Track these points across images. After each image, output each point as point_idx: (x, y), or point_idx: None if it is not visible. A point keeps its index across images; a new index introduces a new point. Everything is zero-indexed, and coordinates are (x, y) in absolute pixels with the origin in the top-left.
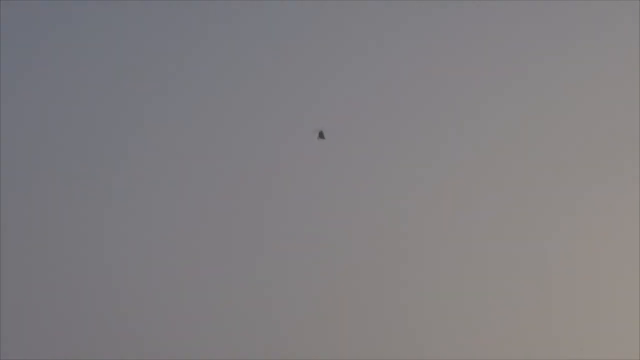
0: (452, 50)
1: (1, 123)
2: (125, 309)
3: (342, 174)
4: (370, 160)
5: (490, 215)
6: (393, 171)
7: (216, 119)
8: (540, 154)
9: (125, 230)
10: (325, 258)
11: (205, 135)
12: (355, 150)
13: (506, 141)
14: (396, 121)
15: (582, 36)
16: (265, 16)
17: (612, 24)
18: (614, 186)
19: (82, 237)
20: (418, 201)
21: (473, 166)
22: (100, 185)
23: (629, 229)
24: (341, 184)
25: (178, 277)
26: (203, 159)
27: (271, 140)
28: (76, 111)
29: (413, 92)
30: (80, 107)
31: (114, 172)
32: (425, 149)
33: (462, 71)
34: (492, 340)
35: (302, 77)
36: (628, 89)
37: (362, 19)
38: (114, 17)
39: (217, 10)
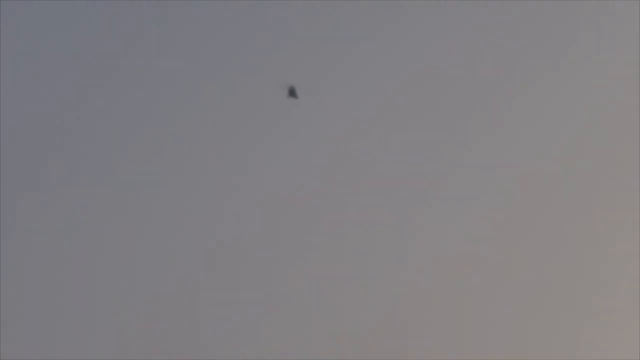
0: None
1: (1, 123)
2: (125, 309)
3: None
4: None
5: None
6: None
7: (211, 121)
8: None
9: (123, 227)
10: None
11: (200, 141)
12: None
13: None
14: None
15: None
16: (259, 13)
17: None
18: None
19: (83, 237)
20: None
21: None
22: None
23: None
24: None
25: (177, 280)
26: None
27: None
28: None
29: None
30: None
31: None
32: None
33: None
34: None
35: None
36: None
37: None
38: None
39: (216, 6)
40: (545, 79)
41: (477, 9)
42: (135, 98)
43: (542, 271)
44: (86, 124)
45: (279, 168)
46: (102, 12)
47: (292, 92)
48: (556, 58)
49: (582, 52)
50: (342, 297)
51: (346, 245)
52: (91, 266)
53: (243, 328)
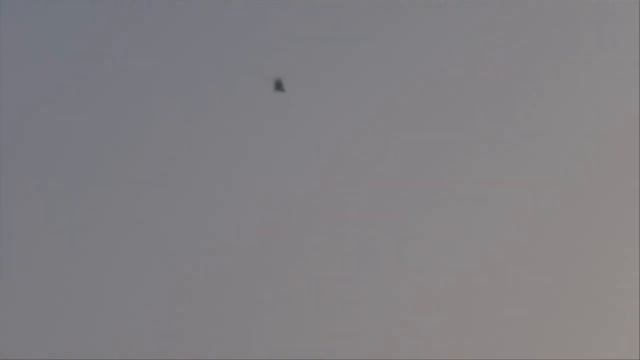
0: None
1: (1, 122)
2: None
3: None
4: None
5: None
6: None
7: (207, 126)
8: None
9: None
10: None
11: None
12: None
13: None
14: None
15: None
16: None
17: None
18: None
19: (84, 237)
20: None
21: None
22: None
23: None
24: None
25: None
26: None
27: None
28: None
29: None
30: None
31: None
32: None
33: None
34: None
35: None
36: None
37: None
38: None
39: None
40: (545, 80)
41: (477, 10)
42: (125, 95)
43: (545, 275)
44: (76, 121)
45: (271, 167)
46: (95, 10)
47: (278, 86)
48: (555, 59)
49: (582, 52)
50: (339, 298)
51: (343, 246)
52: (89, 265)
53: (241, 329)
